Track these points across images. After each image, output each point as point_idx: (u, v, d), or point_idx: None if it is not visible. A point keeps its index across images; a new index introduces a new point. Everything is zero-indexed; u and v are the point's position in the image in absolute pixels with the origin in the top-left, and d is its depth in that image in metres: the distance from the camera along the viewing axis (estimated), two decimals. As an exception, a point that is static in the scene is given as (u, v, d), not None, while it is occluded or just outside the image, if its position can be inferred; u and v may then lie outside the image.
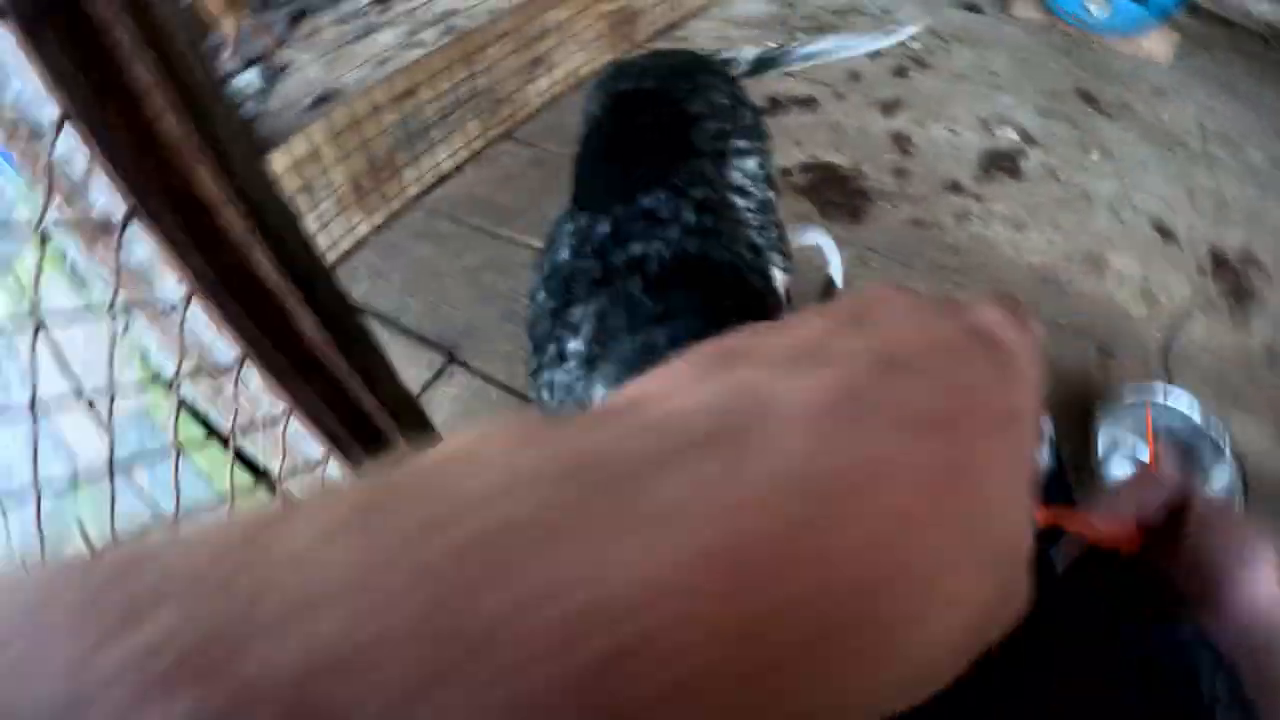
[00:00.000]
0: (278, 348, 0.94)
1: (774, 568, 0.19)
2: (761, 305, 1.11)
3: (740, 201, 1.65)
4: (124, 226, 0.76)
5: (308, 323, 0.95)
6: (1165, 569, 0.46)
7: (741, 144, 1.52)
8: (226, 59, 4.06)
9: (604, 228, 1.07)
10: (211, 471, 1.87)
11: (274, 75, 4.08)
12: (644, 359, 0.90)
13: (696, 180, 1.16)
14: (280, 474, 1.08)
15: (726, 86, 1.45)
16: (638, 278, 1.00)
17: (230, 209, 0.82)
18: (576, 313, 1.00)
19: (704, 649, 0.17)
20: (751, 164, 1.57)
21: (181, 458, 0.99)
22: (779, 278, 2.05)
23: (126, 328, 0.90)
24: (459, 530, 0.18)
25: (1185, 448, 2.10)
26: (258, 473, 1.43)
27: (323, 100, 3.62)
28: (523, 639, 0.16)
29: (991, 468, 0.23)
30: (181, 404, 1.62)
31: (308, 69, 3.85)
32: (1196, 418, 2.08)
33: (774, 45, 1.94)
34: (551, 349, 1.02)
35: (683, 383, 0.25)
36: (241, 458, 1.11)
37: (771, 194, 1.69)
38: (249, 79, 3.98)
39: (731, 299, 1.04)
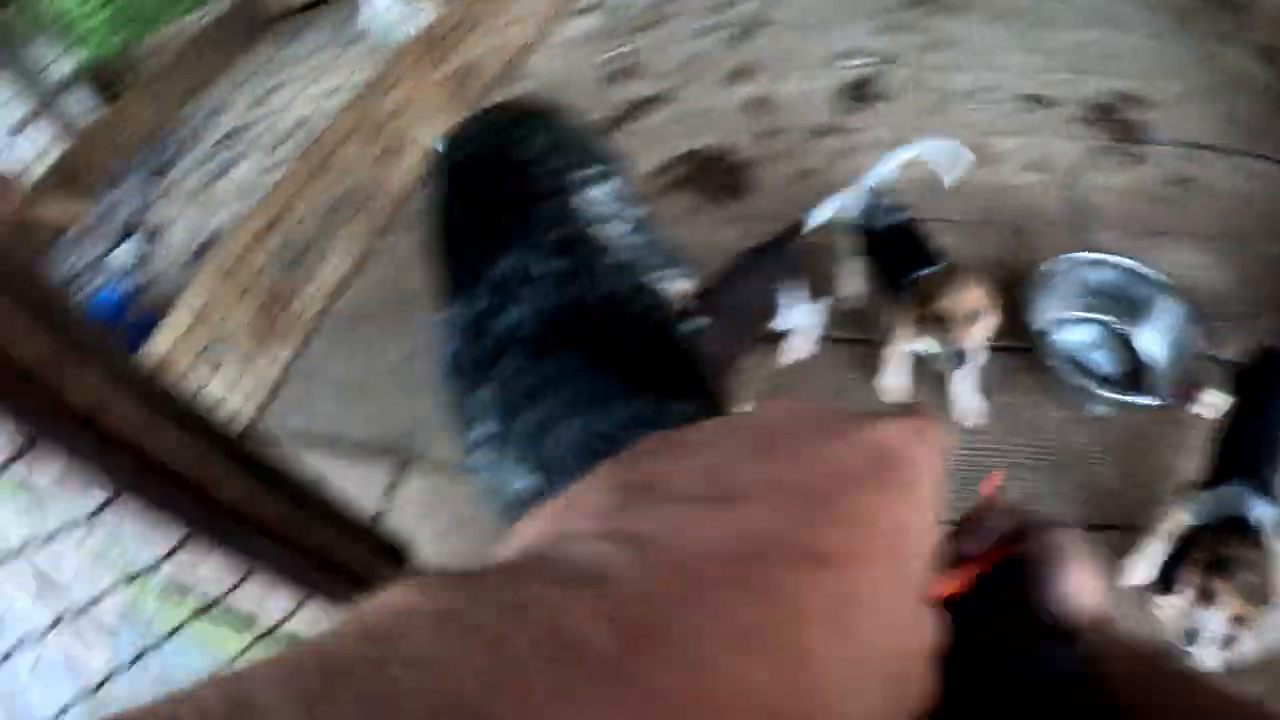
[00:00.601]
0: (219, 518, 0.94)
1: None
2: (646, 323, 1.12)
3: (613, 230, 1.67)
4: (18, 457, 0.76)
5: (234, 486, 0.95)
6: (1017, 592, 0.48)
7: (590, 172, 1.51)
8: (90, 245, 4.02)
9: (479, 304, 1.07)
10: (212, 642, 1.85)
11: (150, 239, 4.04)
12: (544, 431, 0.91)
13: (546, 224, 1.16)
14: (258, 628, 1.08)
15: (552, 123, 1.46)
16: (519, 348, 1.00)
17: (123, 406, 0.82)
18: (477, 399, 1.01)
19: None
20: (609, 188, 1.56)
21: (183, 639, 0.99)
22: (680, 286, 2.06)
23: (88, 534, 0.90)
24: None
25: (1129, 298, 2.15)
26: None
27: (205, 247, 3.59)
28: None
29: (881, 593, 0.25)
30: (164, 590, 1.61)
31: (180, 222, 3.80)
32: (1128, 263, 2.13)
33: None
34: (469, 436, 1.03)
35: (588, 523, 0.26)
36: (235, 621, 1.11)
37: (640, 210, 1.69)
38: (126, 251, 3.94)
39: (617, 332, 1.05)
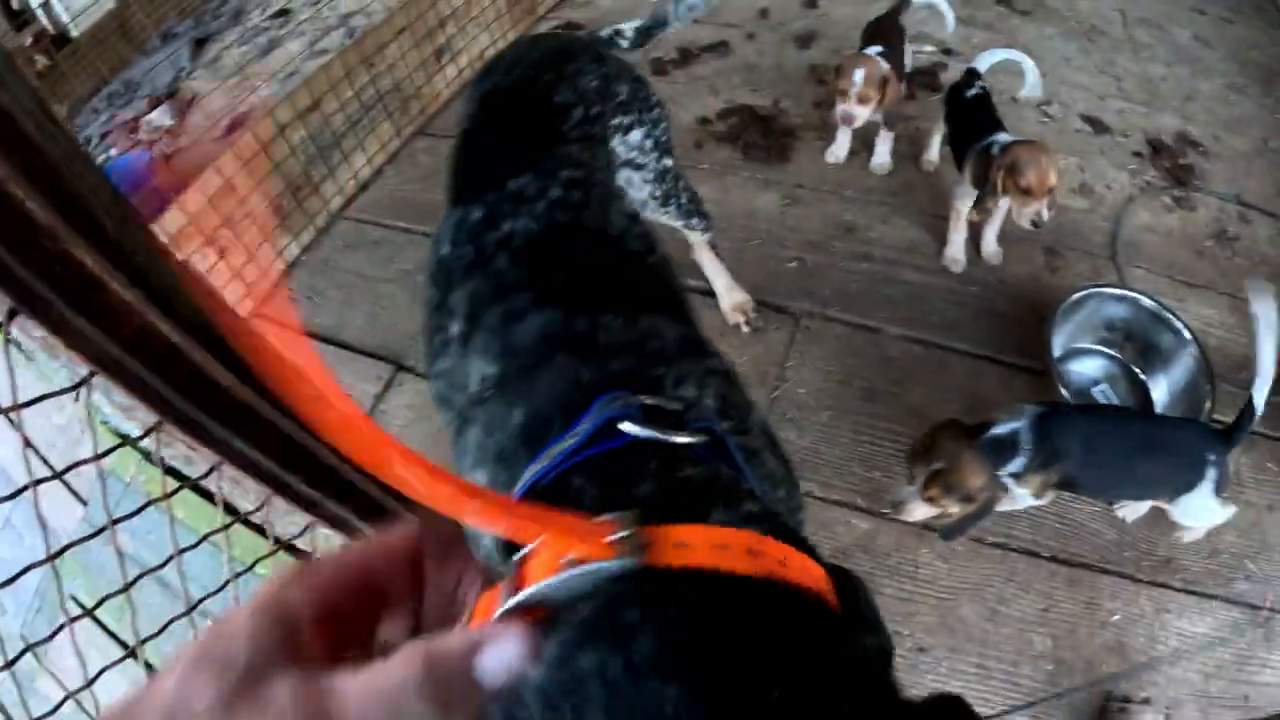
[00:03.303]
0: (199, 405, 0.93)
1: None
2: (638, 264, 1.13)
3: (635, 175, 1.65)
4: (8, 322, 0.75)
5: (223, 373, 0.94)
6: None
7: (623, 120, 1.52)
8: (124, 104, 4.01)
9: (476, 214, 1.09)
10: (188, 518, 1.87)
11: (184, 107, 4.01)
12: (508, 324, 0.92)
13: (563, 164, 1.17)
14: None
15: (595, 68, 1.44)
16: (505, 253, 1.02)
17: (115, 281, 0.81)
18: (454, 298, 1.02)
19: None
20: (637, 136, 1.57)
21: (159, 511, 0.99)
22: (699, 238, 2.06)
23: (78, 398, 0.90)
24: None
25: (1148, 341, 2.13)
26: (234, 512, 1.44)
27: (236, 125, 3.57)
28: None
29: None
30: (148, 457, 1.61)
31: (216, 95, 3.76)
32: (1150, 305, 2.09)
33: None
34: (438, 339, 1.04)
35: None
36: (212, 499, 1.11)
37: (668, 161, 1.69)
38: (159, 115, 3.91)
39: (603, 258, 1.08)
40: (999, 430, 1.67)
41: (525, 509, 0.42)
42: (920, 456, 1.65)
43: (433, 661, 0.34)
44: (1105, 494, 1.91)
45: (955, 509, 1.65)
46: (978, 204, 2.15)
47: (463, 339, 0.98)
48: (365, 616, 0.40)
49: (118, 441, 0.98)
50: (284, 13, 4.66)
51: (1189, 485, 1.67)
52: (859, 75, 2.34)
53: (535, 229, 1.05)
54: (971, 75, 2.38)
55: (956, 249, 2.41)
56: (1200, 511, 1.74)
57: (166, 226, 2.24)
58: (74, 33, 4.61)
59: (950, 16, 2.75)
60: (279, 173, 2.56)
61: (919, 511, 1.68)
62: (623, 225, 1.15)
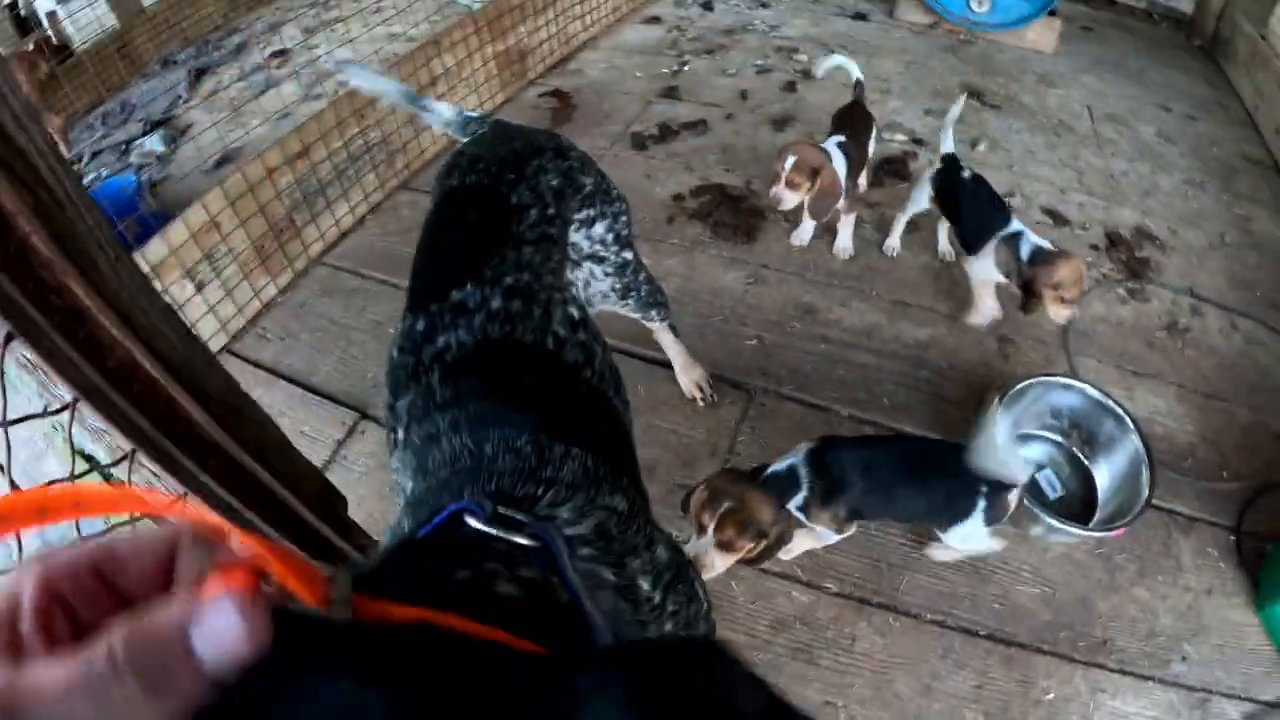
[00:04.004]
0: (169, 437, 0.98)
1: None
2: (572, 377, 1.18)
3: (597, 268, 1.71)
4: (4, 345, 0.80)
5: (194, 409, 0.99)
6: None
7: (588, 213, 1.58)
8: (118, 126, 4.06)
9: (420, 325, 1.15)
10: None
11: (177, 136, 4.07)
12: (427, 445, 0.97)
13: (510, 269, 1.22)
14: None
15: (557, 164, 1.48)
16: (438, 369, 1.08)
17: (103, 315, 0.87)
18: (399, 405, 1.09)
19: None
20: (600, 229, 1.63)
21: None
22: (657, 325, 2.12)
23: (57, 425, 0.94)
24: None
25: (1092, 429, 2.20)
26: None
27: (226, 160, 3.63)
28: None
29: None
30: (108, 479, 1.64)
31: (209, 128, 3.81)
32: (1095, 394, 2.17)
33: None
34: (391, 438, 1.11)
35: None
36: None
37: (628, 254, 1.74)
38: (152, 141, 3.97)
39: (531, 374, 1.12)
40: (777, 467, 1.77)
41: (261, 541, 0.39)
42: (704, 505, 1.67)
43: (137, 638, 0.32)
44: (888, 518, 1.98)
45: (750, 546, 1.67)
46: (1023, 308, 2.27)
47: (401, 447, 1.05)
48: (97, 608, 0.36)
49: (85, 467, 1.02)
50: (283, 53, 4.76)
51: (965, 511, 1.76)
52: (789, 162, 2.45)
53: (469, 344, 1.10)
54: (954, 161, 2.51)
55: (991, 308, 2.54)
56: (968, 538, 1.82)
57: (149, 256, 2.28)
58: (76, 45, 4.66)
59: (854, 71, 2.91)
60: (263, 214, 2.62)
61: (718, 561, 1.68)
62: (563, 335, 1.19)
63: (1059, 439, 2.26)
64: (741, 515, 1.64)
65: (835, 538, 1.89)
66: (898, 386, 2.41)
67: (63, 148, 4.04)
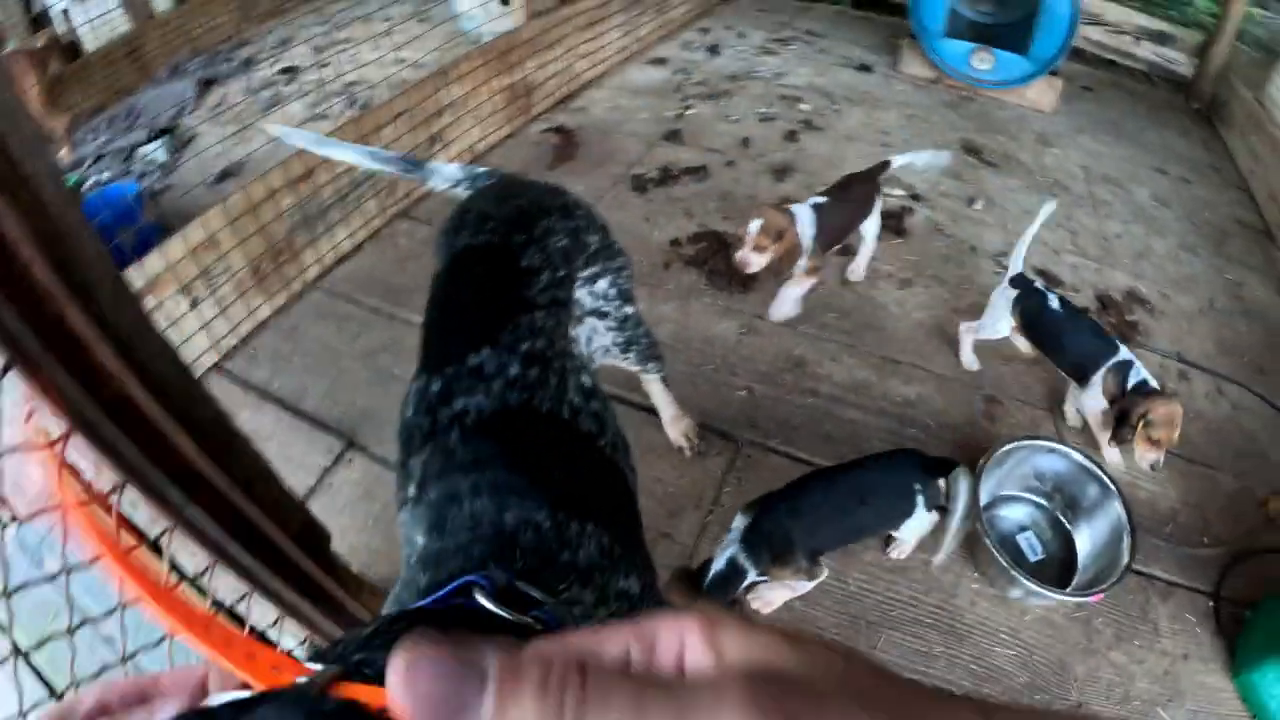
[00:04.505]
0: (159, 467, 0.98)
1: None
2: (587, 447, 1.18)
3: (600, 324, 1.72)
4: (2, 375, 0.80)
5: (185, 442, 1.00)
6: None
7: (591, 270, 1.59)
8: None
9: (436, 386, 1.14)
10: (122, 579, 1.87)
11: (179, 146, 4.08)
12: (446, 504, 0.97)
13: (525, 335, 1.22)
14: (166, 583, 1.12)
15: (564, 225, 1.48)
16: (458, 430, 1.07)
17: (102, 345, 0.87)
18: (412, 463, 1.08)
19: None
20: (603, 285, 1.64)
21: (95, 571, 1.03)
22: (654, 379, 2.14)
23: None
24: None
25: (1074, 493, 2.21)
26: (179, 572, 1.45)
27: (229, 174, 3.65)
28: None
29: None
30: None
31: (213, 140, 3.81)
32: (1079, 458, 2.17)
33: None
34: (400, 494, 1.09)
35: None
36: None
37: (630, 309, 1.76)
38: (155, 149, 3.99)
39: (550, 445, 1.12)
40: (717, 567, 1.81)
41: (243, 639, 0.42)
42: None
43: None
44: (848, 543, 2.04)
45: None
46: (1114, 437, 2.26)
47: (414, 503, 1.04)
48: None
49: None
50: (291, 70, 4.80)
51: (909, 509, 1.93)
52: (754, 226, 2.47)
53: (488, 409, 1.10)
54: (1030, 286, 2.44)
55: (1114, 456, 2.42)
56: (919, 528, 2.00)
57: (146, 269, 2.29)
58: (87, 45, 4.69)
59: (924, 161, 2.90)
60: (263, 234, 2.63)
61: None
62: (578, 404, 1.20)
63: (1042, 501, 2.27)
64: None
65: (810, 585, 1.93)
66: (884, 444, 2.40)
67: (65, 149, 4.07)
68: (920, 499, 1.92)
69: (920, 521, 1.96)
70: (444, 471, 1.02)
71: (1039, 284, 2.44)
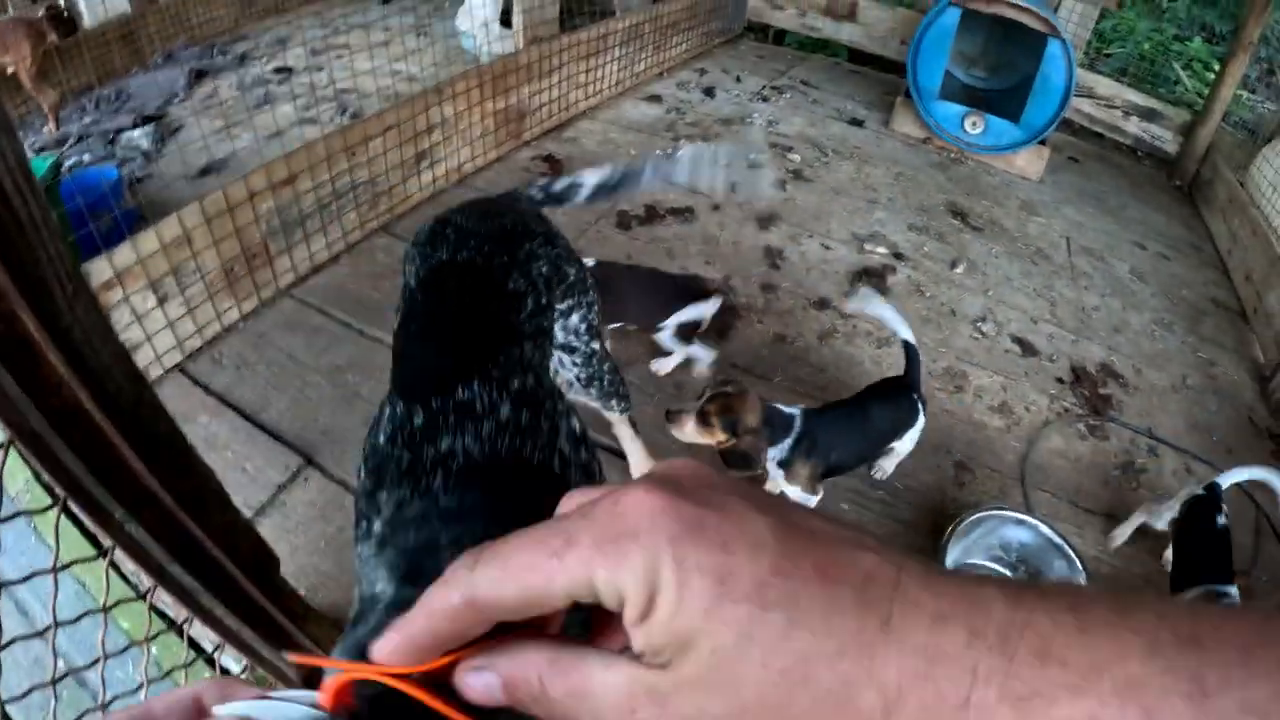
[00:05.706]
0: (106, 485, 0.93)
1: None
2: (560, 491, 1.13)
3: (567, 358, 1.70)
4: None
5: (134, 458, 0.95)
6: None
7: (568, 303, 1.57)
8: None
9: (418, 419, 1.08)
10: (92, 585, 1.82)
11: (164, 135, 4.02)
12: (422, 554, 0.91)
13: (515, 369, 1.17)
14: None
15: (546, 251, 1.44)
16: (440, 473, 1.01)
17: (53, 349, 0.82)
18: (382, 496, 1.02)
19: None
20: (575, 320, 1.62)
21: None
22: (616, 417, 2.11)
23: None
24: None
25: (1039, 566, 2.18)
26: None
27: (211, 170, 3.59)
28: None
29: None
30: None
31: (199, 133, 3.74)
32: (1047, 532, 2.16)
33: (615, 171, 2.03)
34: (363, 525, 1.03)
35: None
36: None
37: (596, 344, 1.73)
38: (140, 136, 3.92)
39: (538, 501, 1.05)
40: (783, 408, 2.03)
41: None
42: (712, 383, 1.99)
43: None
44: (864, 462, 2.34)
45: (721, 438, 1.91)
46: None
47: (380, 541, 0.98)
48: None
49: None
50: (285, 70, 4.76)
51: (911, 422, 2.25)
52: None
53: (476, 455, 1.04)
54: (1216, 494, 2.14)
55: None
56: (916, 433, 2.29)
57: (115, 260, 2.22)
58: (85, 22, 4.60)
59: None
60: (238, 237, 2.57)
61: (689, 425, 1.92)
62: (568, 454, 1.15)
63: (1006, 573, 2.24)
64: (732, 402, 1.90)
65: (812, 500, 2.12)
66: (850, 505, 2.38)
67: (51, 125, 4.00)
68: (920, 406, 2.24)
69: (918, 427, 2.25)
70: (424, 518, 0.96)
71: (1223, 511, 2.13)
